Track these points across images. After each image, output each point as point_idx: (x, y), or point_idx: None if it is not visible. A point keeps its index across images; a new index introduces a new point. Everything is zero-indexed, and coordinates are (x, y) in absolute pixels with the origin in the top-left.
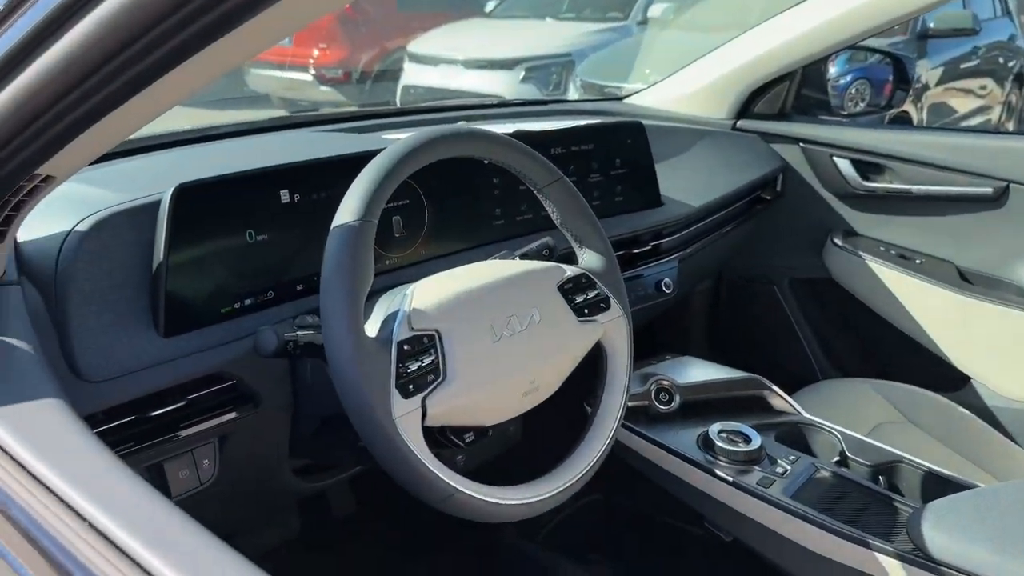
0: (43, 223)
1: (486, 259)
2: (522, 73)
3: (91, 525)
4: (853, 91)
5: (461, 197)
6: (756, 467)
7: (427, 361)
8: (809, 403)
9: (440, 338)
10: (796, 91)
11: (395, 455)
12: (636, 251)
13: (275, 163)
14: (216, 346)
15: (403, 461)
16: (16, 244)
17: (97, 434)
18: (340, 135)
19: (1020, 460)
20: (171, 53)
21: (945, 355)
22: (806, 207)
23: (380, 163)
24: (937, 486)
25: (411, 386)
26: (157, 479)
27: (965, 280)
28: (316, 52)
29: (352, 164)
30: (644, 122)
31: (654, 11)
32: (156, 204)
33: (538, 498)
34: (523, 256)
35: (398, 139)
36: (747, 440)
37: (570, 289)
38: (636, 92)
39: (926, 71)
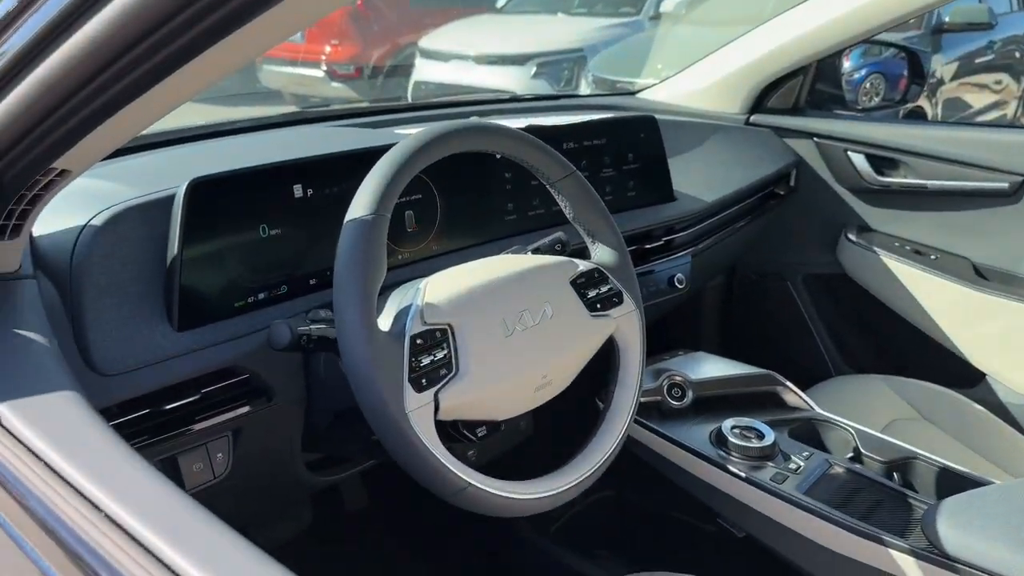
0: (58, 218)
1: (498, 254)
2: (533, 69)
3: (108, 517)
4: (868, 85)
5: (473, 192)
6: (769, 463)
7: (440, 355)
8: (823, 399)
9: (453, 332)
10: (810, 85)
11: (408, 449)
12: (648, 246)
13: (288, 158)
14: (229, 340)
15: (416, 455)
16: (31, 238)
17: (112, 427)
18: (352, 130)
19: None
20: (185, 48)
21: (960, 351)
22: (820, 202)
23: (393, 158)
24: (952, 483)
25: (424, 380)
26: (171, 472)
27: (980, 276)
28: (328, 48)
29: (365, 159)
30: (657, 117)
31: (666, 6)
32: (170, 199)
33: (550, 493)
34: (535, 251)
35: (411, 134)
36: (760, 436)
37: (582, 284)
38: (648, 87)
39: (941, 66)
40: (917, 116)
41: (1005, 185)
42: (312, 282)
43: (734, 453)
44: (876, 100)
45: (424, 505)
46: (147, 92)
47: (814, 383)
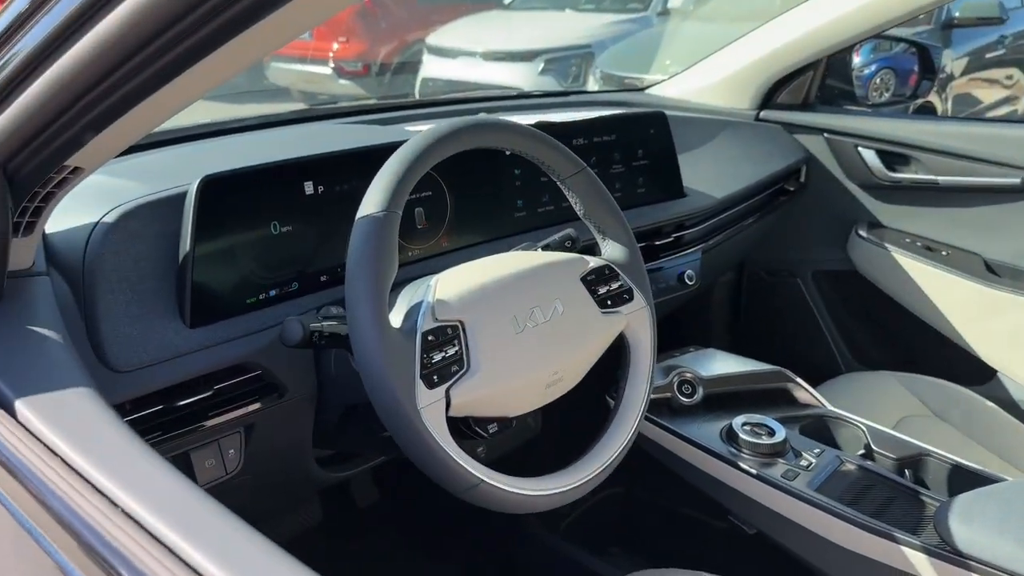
0: (70, 215)
1: (508, 250)
2: (541, 65)
3: (125, 512)
4: (878, 81)
5: (483, 188)
6: (780, 460)
7: (451, 352)
8: (833, 396)
9: (464, 329)
10: (820, 81)
11: (420, 445)
12: (658, 243)
13: (298, 155)
14: (241, 337)
15: (428, 451)
16: (44, 235)
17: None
18: (362, 127)
19: None
20: (198, 46)
21: (971, 348)
22: (830, 198)
23: (404, 155)
24: (964, 479)
25: (435, 377)
26: (184, 468)
27: (992, 272)
28: (336, 46)
29: (375, 156)
30: (666, 113)
31: (674, 2)
32: (182, 196)
33: (562, 489)
34: (545, 247)
35: (421, 131)
36: (771, 433)
37: (593, 280)
38: (657, 83)
39: (951, 61)
40: (927, 112)
41: (1017, 181)
42: (323, 279)
43: (745, 450)
44: (886, 96)
45: (433, 501)
46: (160, 90)
47: (824, 380)
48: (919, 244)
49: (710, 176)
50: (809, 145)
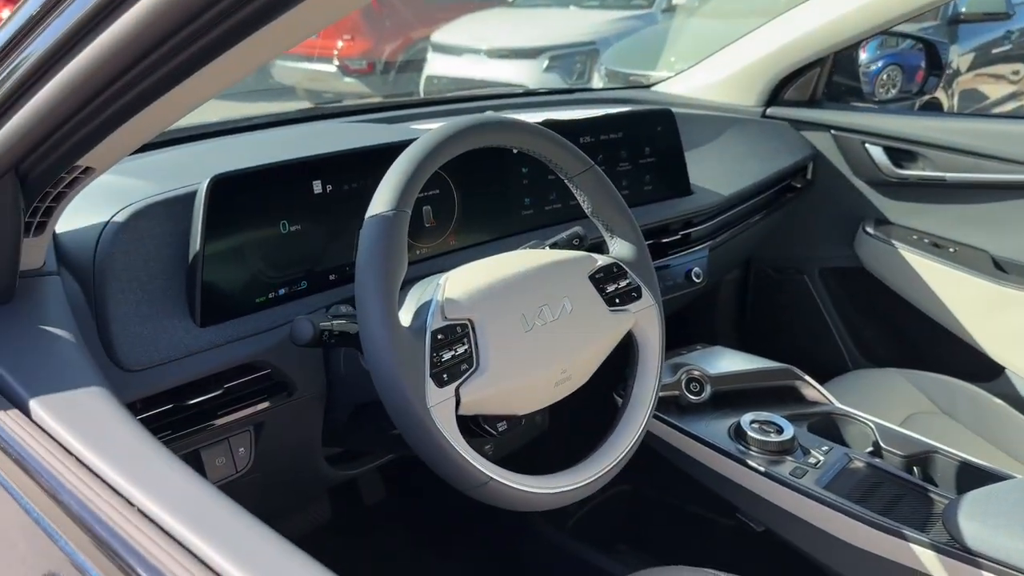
0: (80, 214)
1: (516, 249)
2: (546, 62)
3: (140, 510)
4: (885, 77)
5: (490, 187)
6: (789, 457)
7: (460, 350)
8: (841, 393)
9: (473, 327)
10: (827, 78)
11: (430, 444)
12: (665, 240)
13: (306, 154)
14: (251, 336)
15: (438, 449)
16: (55, 235)
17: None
18: (369, 126)
19: None
20: (209, 47)
21: (979, 344)
22: (837, 195)
23: (412, 154)
24: (972, 477)
25: (445, 375)
26: (194, 467)
27: (999, 269)
28: (341, 44)
29: (384, 155)
30: (673, 110)
31: None
32: (191, 195)
33: (571, 487)
34: (553, 245)
35: (428, 130)
36: (779, 430)
37: (601, 279)
38: (662, 80)
39: (957, 56)
40: (933, 108)
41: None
42: (332, 278)
43: (753, 447)
44: (893, 92)
45: (441, 498)
46: (170, 91)
47: (832, 377)
48: (926, 241)
49: (717, 173)
50: (816, 142)
